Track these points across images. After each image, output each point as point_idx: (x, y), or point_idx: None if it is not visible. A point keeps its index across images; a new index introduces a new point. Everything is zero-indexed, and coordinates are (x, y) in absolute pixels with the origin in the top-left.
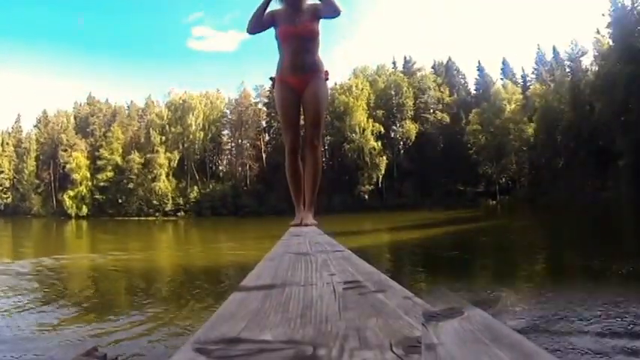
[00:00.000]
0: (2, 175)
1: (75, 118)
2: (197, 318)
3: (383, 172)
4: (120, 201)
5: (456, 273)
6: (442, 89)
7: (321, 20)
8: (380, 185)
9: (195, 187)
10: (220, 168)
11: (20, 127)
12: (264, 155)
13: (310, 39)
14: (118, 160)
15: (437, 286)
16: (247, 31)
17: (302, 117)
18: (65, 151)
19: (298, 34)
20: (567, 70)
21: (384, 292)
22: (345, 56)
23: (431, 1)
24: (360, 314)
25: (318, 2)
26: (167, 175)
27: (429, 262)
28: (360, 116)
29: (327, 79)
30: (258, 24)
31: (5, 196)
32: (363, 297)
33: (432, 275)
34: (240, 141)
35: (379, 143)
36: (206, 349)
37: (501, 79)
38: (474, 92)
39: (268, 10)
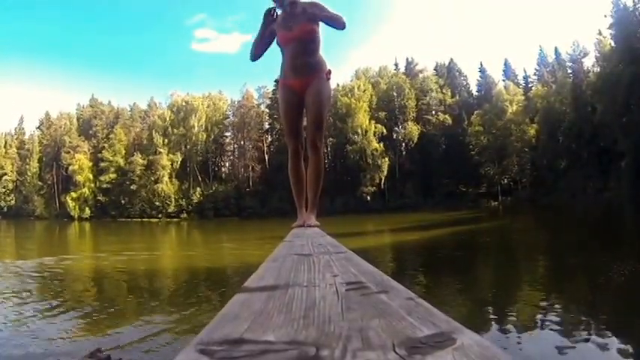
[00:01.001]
0: (5, 177)
1: (78, 120)
2: (200, 319)
3: (385, 173)
4: (123, 202)
5: (458, 274)
6: (444, 91)
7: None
8: (382, 187)
9: (198, 189)
10: (223, 169)
11: (23, 129)
12: (266, 157)
13: (309, 41)
14: (121, 162)
15: (439, 287)
16: (251, 60)
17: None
18: (68, 153)
19: (296, 38)
20: (569, 71)
21: (386, 292)
22: (349, 58)
23: (433, 3)
24: (362, 315)
25: (316, 3)
26: (170, 177)
27: (431, 263)
28: (363, 118)
29: (329, 78)
30: (260, 47)
31: (8, 198)
32: (366, 298)
33: (435, 276)
34: (242, 142)
35: (381, 145)
36: (209, 350)
37: (503, 80)
38: (476, 93)
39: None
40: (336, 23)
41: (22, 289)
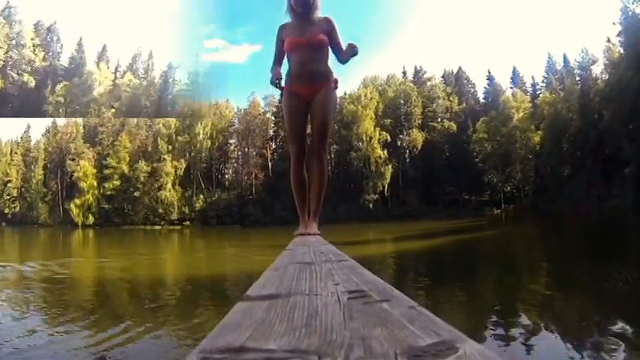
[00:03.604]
0: (10, 185)
1: (84, 127)
2: (202, 327)
3: (388, 180)
4: (126, 210)
5: (461, 283)
6: (451, 98)
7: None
8: (385, 194)
9: (201, 196)
10: (226, 177)
11: (29, 136)
12: (270, 164)
13: (319, 49)
14: (125, 168)
15: (442, 296)
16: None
17: (309, 126)
18: (73, 159)
19: (306, 44)
20: (577, 78)
21: (388, 301)
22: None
23: (442, 10)
24: (364, 323)
25: (330, 19)
26: (173, 184)
27: (433, 271)
28: (368, 125)
29: (336, 87)
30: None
31: (13, 205)
32: (368, 306)
33: (437, 285)
34: (246, 149)
35: (385, 152)
36: (211, 359)
37: (511, 87)
38: (483, 101)
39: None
40: (341, 55)
41: (25, 297)
